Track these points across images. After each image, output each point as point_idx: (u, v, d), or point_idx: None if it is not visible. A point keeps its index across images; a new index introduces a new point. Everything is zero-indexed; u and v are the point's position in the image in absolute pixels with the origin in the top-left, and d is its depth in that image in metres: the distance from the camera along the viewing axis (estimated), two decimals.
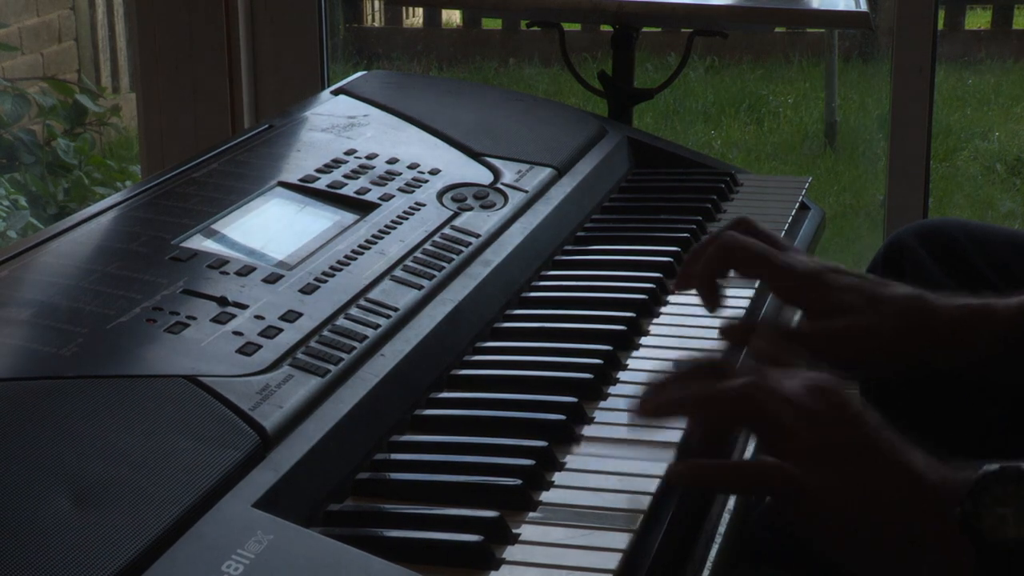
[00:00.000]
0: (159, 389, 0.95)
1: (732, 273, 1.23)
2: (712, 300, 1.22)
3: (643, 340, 1.22)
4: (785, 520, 0.96)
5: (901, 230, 1.53)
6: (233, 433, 0.92)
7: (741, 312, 1.28)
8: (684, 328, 1.25)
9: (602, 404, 1.10)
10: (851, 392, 0.99)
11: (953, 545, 0.91)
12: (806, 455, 0.94)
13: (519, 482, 0.96)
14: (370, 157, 1.43)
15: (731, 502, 1.02)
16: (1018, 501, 0.91)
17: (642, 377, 1.15)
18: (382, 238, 1.25)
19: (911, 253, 1.48)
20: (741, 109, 4.46)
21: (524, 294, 1.30)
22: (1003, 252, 1.47)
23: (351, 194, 1.33)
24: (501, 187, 1.42)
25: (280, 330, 1.05)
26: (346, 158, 1.41)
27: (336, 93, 1.63)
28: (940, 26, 3.36)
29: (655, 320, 1.26)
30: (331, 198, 1.33)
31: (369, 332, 1.09)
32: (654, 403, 1.02)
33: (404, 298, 1.16)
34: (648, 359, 1.19)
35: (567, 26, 2.05)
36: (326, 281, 1.15)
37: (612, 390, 1.13)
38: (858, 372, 1.21)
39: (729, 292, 1.25)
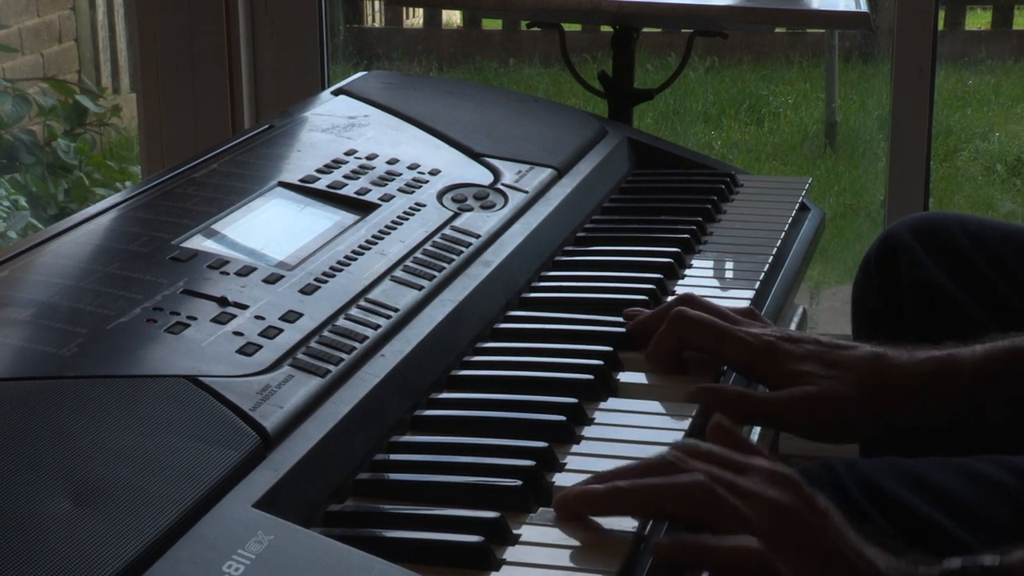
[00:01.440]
0: (159, 389, 0.95)
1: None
2: (672, 371, 1.19)
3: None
4: None
5: (895, 223, 1.52)
6: (233, 433, 0.92)
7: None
8: None
9: (602, 405, 1.10)
10: (812, 491, 0.96)
11: None
12: (774, 543, 0.92)
13: (519, 483, 0.96)
14: (370, 157, 1.43)
15: None
16: None
17: (642, 378, 1.16)
18: (382, 238, 1.25)
19: (905, 248, 1.47)
20: (741, 110, 4.46)
21: (524, 294, 1.30)
22: (999, 246, 1.46)
23: (351, 194, 1.33)
24: (501, 187, 1.42)
25: (280, 330, 1.05)
26: (346, 158, 1.41)
27: (336, 93, 1.63)
28: (940, 26, 3.36)
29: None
30: (331, 198, 1.33)
31: (369, 332, 1.09)
32: (596, 495, 0.94)
33: (404, 298, 1.16)
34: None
35: (567, 26, 2.05)
36: (326, 281, 1.15)
37: (612, 391, 1.13)
38: (820, 437, 1.19)
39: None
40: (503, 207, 1.38)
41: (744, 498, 0.94)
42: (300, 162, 1.39)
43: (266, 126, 1.50)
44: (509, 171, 1.46)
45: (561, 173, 1.51)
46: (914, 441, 1.40)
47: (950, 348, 1.17)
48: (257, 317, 1.07)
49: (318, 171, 1.37)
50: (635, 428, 1.08)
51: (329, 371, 1.03)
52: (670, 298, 1.27)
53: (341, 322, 1.10)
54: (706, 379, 1.16)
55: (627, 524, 0.93)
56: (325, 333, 1.07)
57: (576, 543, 0.91)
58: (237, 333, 1.04)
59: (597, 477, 0.97)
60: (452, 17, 4.95)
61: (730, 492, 0.94)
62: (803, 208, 1.58)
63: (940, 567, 0.93)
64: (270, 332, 1.05)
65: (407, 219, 1.30)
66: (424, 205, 1.34)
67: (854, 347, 1.17)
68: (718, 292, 1.34)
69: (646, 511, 0.94)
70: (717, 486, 0.93)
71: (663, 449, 1.00)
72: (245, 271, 1.13)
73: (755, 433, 1.18)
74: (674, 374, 1.17)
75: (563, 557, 0.90)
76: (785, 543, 0.92)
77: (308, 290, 1.13)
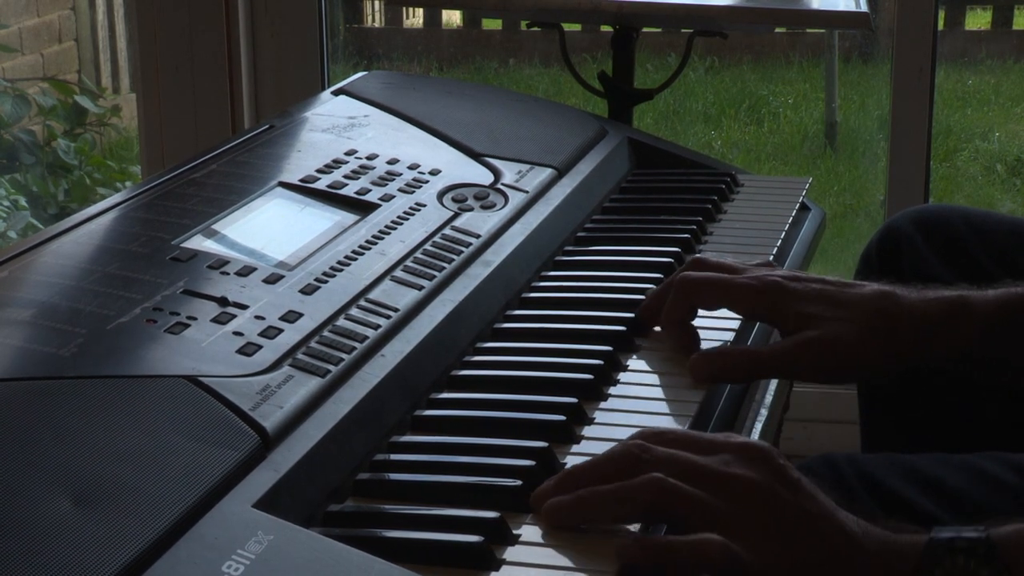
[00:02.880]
0: (159, 389, 0.95)
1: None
2: (685, 343, 1.19)
3: (643, 341, 1.22)
4: None
5: (897, 215, 1.52)
6: (233, 433, 0.92)
7: (728, 336, 1.23)
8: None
9: (602, 405, 1.10)
10: (785, 461, 0.95)
11: None
12: (740, 527, 0.91)
13: (519, 483, 0.96)
14: (370, 157, 1.43)
15: None
16: (968, 573, 0.90)
17: (642, 378, 1.16)
18: (382, 238, 1.25)
19: (907, 240, 1.46)
20: (741, 110, 4.46)
21: (524, 294, 1.30)
22: (1002, 240, 1.46)
23: (351, 194, 1.33)
24: (501, 187, 1.42)
25: (280, 330, 1.05)
26: (346, 158, 1.41)
27: (336, 93, 1.63)
28: (940, 26, 3.36)
29: (655, 319, 1.26)
30: (331, 198, 1.33)
31: (369, 332, 1.09)
32: (564, 508, 0.93)
33: (404, 298, 1.16)
34: (648, 360, 1.19)
35: (567, 26, 2.05)
36: (326, 281, 1.15)
37: (612, 390, 1.13)
38: (829, 382, 1.18)
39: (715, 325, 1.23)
40: (503, 207, 1.38)
41: (709, 481, 0.92)
42: (300, 162, 1.39)
43: (266, 126, 1.50)
44: (509, 171, 1.46)
45: (561, 173, 1.51)
46: (915, 436, 1.40)
47: (961, 290, 1.16)
48: (257, 317, 1.06)
49: (318, 171, 1.37)
50: (635, 428, 1.07)
51: (329, 371, 1.03)
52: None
53: (341, 322, 1.10)
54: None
55: (627, 525, 0.93)
56: (325, 333, 1.07)
57: (576, 543, 0.91)
58: (237, 333, 1.04)
59: (564, 477, 0.95)
60: (452, 17, 4.95)
61: (693, 478, 0.92)
62: (803, 208, 1.58)
63: (926, 536, 0.92)
64: (270, 332, 1.05)
65: (407, 219, 1.30)
66: (424, 205, 1.34)
67: (861, 285, 1.16)
68: (693, 330, 1.33)
69: (611, 518, 0.93)
70: (671, 479, 0.92)
71: (658, 423, 0.99)
72: (245, 271, 1.13)
73: (755, 432, 1.18)
74: (690, 344, 1.17)
75: (563, 557, 0.90)
76: (754, 523, 0.91)
77: (308, 290, 1.13)
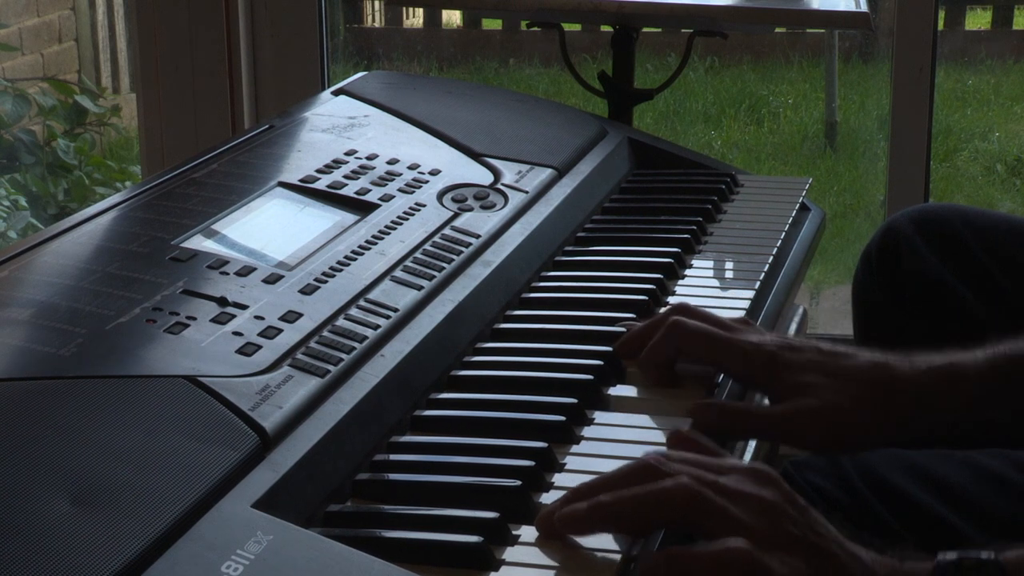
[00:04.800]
0: (159, 389, 0.95)
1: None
2: (663, 383, 1.16)
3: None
4: None
5: (897, 215, 1.52)
6: (233, 433, 0.92)
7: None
8: None
9: (602, 405, 1.10)
10: (791, 488, 0.95)
11: None
12: (763, 541, 0.90)
13: (519, 483, 0.96)
14: (370, 158, 1.43)
15: None
16: None
17: (642, 378, 1.15)
18: (382, 238, 1.25)
19: (907, 240, 1.46)
20: (741, 110, 4.46)
21: (524, 295, 1.30)
22: (1000, 239, 1.46)
23: (351, 194, 1.33)
24: (501, 187, 1.42)
25: (280, 330, 1.05)
26: (346, 158, 1.41)
27: (336, 94, 1.63)
28: (940, 26, 3.36)
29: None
30: (331, 198, 1.33)
31: (369, 332, 1.09)
32: (580, 514, 0.91)
33: (404, 298, 1.16)
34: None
35: (567, 26, 2.05)
36: (326, 281, 1.15)
37: (612, 391, 1.13)
38: (824, 450, 1.17)
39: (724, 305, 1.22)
40: (503, 207, 1.38)
41: (730, 497, 0.92)
42: (300, 162, 1.39)
43: (266, 126, 1.50)
44: (509, 171, 1.46)
45: (561, 173, 1.51)
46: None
47: (951, 355, 1.15)
48: (257, 317, 1.06)
49: (318, 171, 1.37)
50: (635, 428, 1.07)
51: (329, 371, 1.03)
52: (662, 310, 1.23)
53: (341, 322, 1.10)
54: (700, 391, 1.14)
55: None
56: (325, 333, 1.07)
57: (575, 543, 0.91)
58: (237, 333, 1.04)
59: (576, 492, 0.94)
60: (452, 17, 4.95)
61: (715, 493, 0.92)
62: (803, 208, 1.58)
63: (932, 561, 0.93)
64: (270, 332, 1.05)
65: (407, 219, 1.30)
66: (424, 205, 1.34)
67: (855, 355, 1.14)
68: (718, 292, 1.34)
69: (633, 524, 0.92)
70: (703, 488, 0.92)
71: (661, 449, 0.99)
72: (245, 271, 1.13)
73: (767, 400, 1.16)
74: (665, 386, 1.14)
75: (562, 557, 0.90)
76: (777, 538, 0.91)
77: (308, 290, 1.13)
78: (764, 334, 1.18)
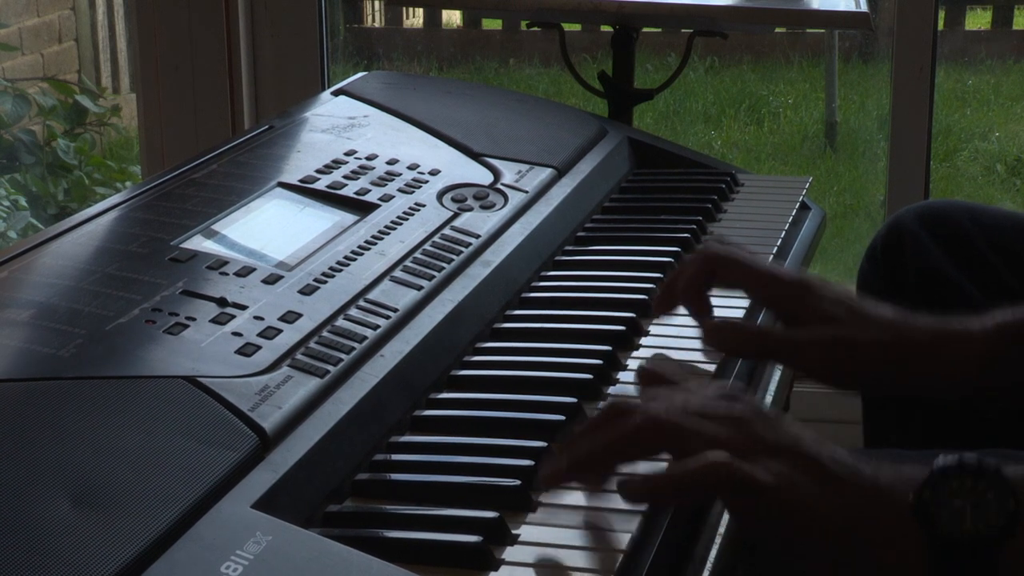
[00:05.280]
0: (159, 390, 0.95)
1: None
2: (701, 312, 1.20)
3: (643, 340, 1.22)
4: (742, 524, 0.94)
5: (902, 211, 1.52)
6: (232, 434, 0.92)
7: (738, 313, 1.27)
8: (684, 328, 1.25)
9: (602, 405, 1.10)
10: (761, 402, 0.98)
11: (904, 537, 0.90)
12: (743, 452, 0.91)
13: (519, 483, 0.96)
14: (370, 158, 1.43)
15: None
16: (975, 494, 0.90)
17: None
18: (382, 239, 1.25)
19: (912, 236, 1.46)
20: (741, 109, 4.46)
21: (524, 294, 1.30)
22: (1006, 235, 1.46)
23: (351, 195, 1.33)
24: (501, 187, 1.42)
25: (279, 331, 1.05)
26: (346, 159, 1.41)
27: (336, 94, 1.63)
28: (940, 26, 3.36)
29: (655, 320, 1.26)
30: (331, 199, 1.33)
31: (369, 333, 1.09)
32: (568, 465, 0.94)
33: (404, 298, 1.16)
34: (648, 359, 1.19)
35: (567, 26, 2.05)
36: (326, 282, 1.15)
37: (612, 390, 1.13)
38: (834, 384, 1.19)
39: (723, 303, 1.23)
40: (503, 207, 1.38)
41: (702, 416, 0.94)
42: (300, 162, 1.39)
43: (266, 126, 1.50)
44: (509, 171, 1.46)
45: (561, 173, 1.51)
46: (917, 431, 1.40)
47: (965, 319, 1.17)
48: (256, 317, 1.06)
49: (318, 171, 1.37)
50: None
51: (328, 371, 1.03)
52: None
53: (340, 322, 1.10)
54: (709, 368, 1.16)
55: (626, 524, 0.93)
56: (324, 333, 1.07)
57: (575, 543, 0.91)
58: (236, 334, 1.04)
59: (554, 452, 0.96)
60: (452, 17, 4.95)
61: (686, 416, 0.94)
62: (803, 207, 1.58)
63: (928, 467, 0.92)
64: (269, 332, 1.05)
65: (407, 219, 1.30)
66: (424, 205, 1.34)
67: (880, 304, 1.18)
68: (718, 291, 1.34)
69: (608, 466, 0.94)
70: (671, 414, 0.93)
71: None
72: (244, 271, 1.13)
73: (768, 397, 1.18)
74: (705, 314, 1.17)
75: (562, 557, 0.90)
76: (756, 447, 0.92)
77: (307, 290, 1.13)
78: (796, 270, 1.22)
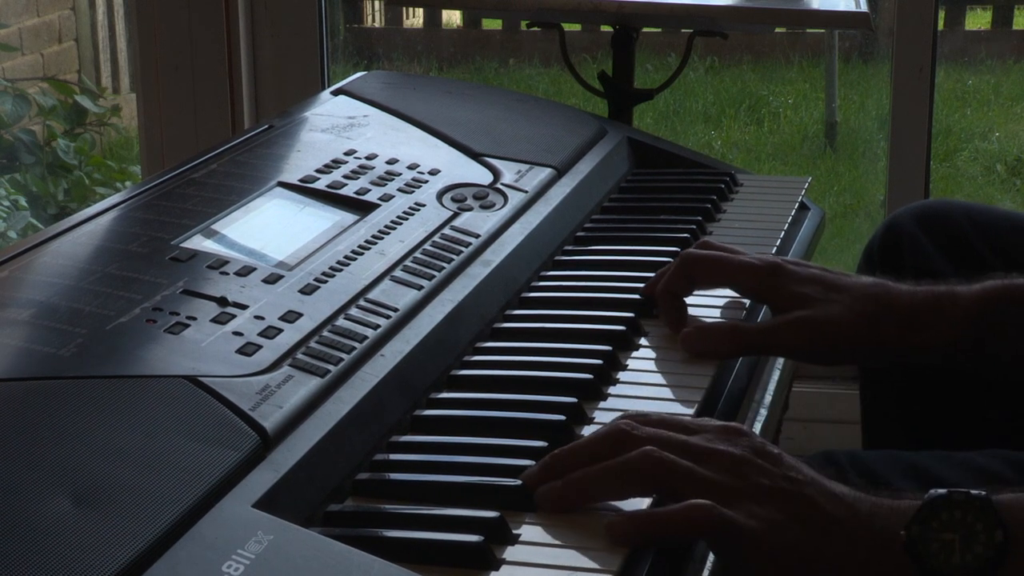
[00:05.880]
0: (159, 389, 0.95)
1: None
2: (676, 320, 1.21)
3: (643, 340, 1.22)
4: (730, 567, 0.94)
5: (899, 211, 1.52)
6: (233, 433, 0.92)
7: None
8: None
9: (602, 404, 1.10)
10: (764, 440, 0.98)
11: (895, 572, 0.91)
12: (732, 496, 0.92)
13: (519, 482, 0.96)
14: (370, 157, 1.43)
15: None
16: (965, 527, 0.91)
17: (642, 378, 1.16)
18: (382, 238, 1.25)
19: (910, 236, 1.47)
20: (741, 110, 4.46)
21: (524, 294, 1.30)
22: (1004, 236, 1.46)
23: (351, 194, 1.33)
24: (501, 187, 1.42)
25: (280, 330, 1.05)
26: (346, 158, 1.41)
27: (336, 93, 1.63)
28: (940, 26, 3.36)
29: (655, 321, 1.26)
30: (331, 198, 1.33)
31: (369, 332, 1.09)
32: (556, 493, 0.94)
33: (404, 298, 1.16)
34: (648, 359, 1.19)
35: (567, 26, 2.05)
36: (326, 281, 1.15)
37: (612, 390, 1.13)
38: (812, 361, 1.20)
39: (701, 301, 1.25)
40: (503, 207, 1.38)
41: (697, 456, 0.94)
42: (300, 162, 1.39)
43: (266, 126, 1.50)
44: (509, 171, 1.46)
45: (561, 173, 1.51)
46: (917, 434, 1.40)
47: (950, 284, 1.19)
48: (257, 317, 1.06)
49: (318, 171, 1.37)
50: None
51: (329, 371, 1.03)
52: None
53: (341, 322, 1.10)
54: (709, 368, 1.16)
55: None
56: (325, 333, 1.07)
57: (576, 542, 0.91)
58: (237, 333, 1.04)
59: (550, 461, 0.96)
60: (452, 17, 4.95)
61: (681, 454, 0.94)
62: (803, 208, 1.58)
63: (921, 499, 0.93)
64: (270, 332, 1.05)
65: (407, 219, 1.30)
66: (424, 205, 1.34)
67: (856, 276, 1.20)
68: (718, 291, 1.34)
69: (606, 496, 0.95)
70: (665, 452, 0.94)
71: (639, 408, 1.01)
72: (245, 271, 1.13)
73: (757, 426, 1.18)
74: (680, 319, 1.20)
75: (563, 557, 0.90)
76: (746, 491, 0.93)
77: (308, 290, 1.13)
78: (773, 255, 1.25)
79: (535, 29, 2.02)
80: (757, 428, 1.19)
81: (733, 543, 0.92)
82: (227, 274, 1.12)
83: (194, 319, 1.04)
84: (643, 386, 1.14)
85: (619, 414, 1.08)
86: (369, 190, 1.35)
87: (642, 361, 1.18)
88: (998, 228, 1.47)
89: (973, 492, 0.92)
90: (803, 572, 0.92)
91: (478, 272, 1.25)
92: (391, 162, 1.42)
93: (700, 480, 0.93)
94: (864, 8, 1.91)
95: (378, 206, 1.32)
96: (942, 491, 0.92)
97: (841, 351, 1.18)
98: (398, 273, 1.20)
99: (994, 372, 1.23)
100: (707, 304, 1.26)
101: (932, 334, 1.16)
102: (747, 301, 1.27)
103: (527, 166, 1.48)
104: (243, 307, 1.07)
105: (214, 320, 1.05)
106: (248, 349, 1.02)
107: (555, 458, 0.97)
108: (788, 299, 1.17)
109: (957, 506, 0.91)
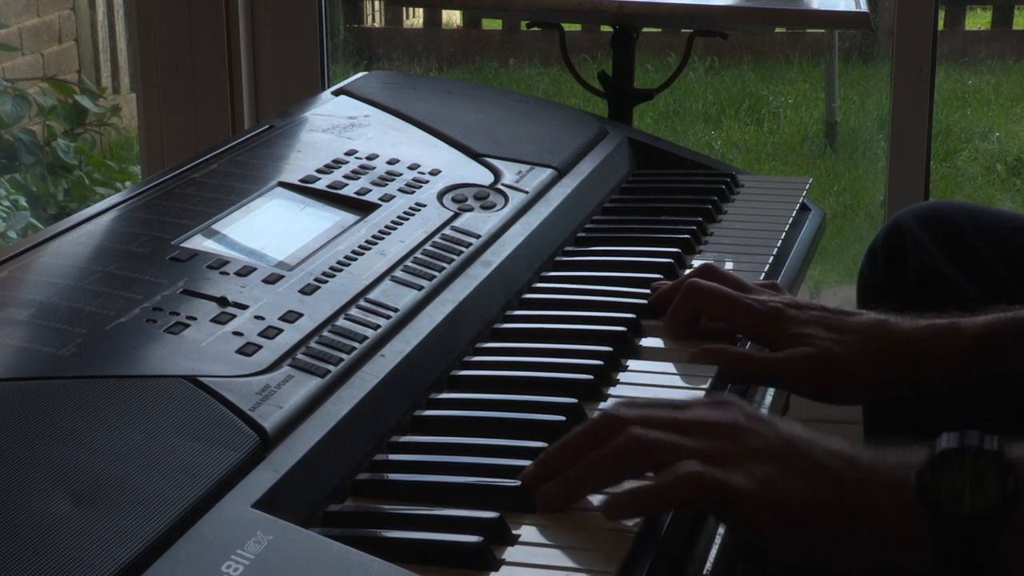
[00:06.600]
0: (159, 389, 0.95)
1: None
2: (689, 337, 1.23)
3: (643, 341, 1.22)
4: (731, 529, 0.95)
5: (902, 212, 1.52)
6: (233, 433, 0.92)
7: None
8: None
9: (602, 405, 1.10)
10: (753, 408, 0.98)
11: (907, 519, 0.91)
12: (726, 459, 0.93)
13: (519, 483, 0.96)
14: (370, 158, 1.43)
15: None
16: (976, 474, 0.90)
17: (642, 378, 1.16)
18: (382, 239, 1.25)
19: (912, 237, 1.47)
20: (741, 110, 4.46)
21: (524, 295, 1.30)
22: (1006, 237, 1.46)
23: (351, 194, 1.33)
24: (501, 188, 1.42)
25: (280, 330, 1.05)
26: (346, 158, 1.41)
27: (337, 94, 1.63)
28: (940, 26, 3.36)
29: (655, 321, 1.26)
30: (331, 198, 1.33)
31: (369, 332, 1.09)
32: (553, 492, 0.95)
33: (404, 298, 1.16)
34: (648, 360, 1.19)
35: (567, 26, 2.05)
36: (326, 281, 1.15)
37: (612, 391, 1.13)
38: (821, 397, 1.20)
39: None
40: (503, 207, 1.38)
41: (685, 429, 0.95)
42: (300, 162, 1.39)
43: (266, 126, 1.50)
44: (509, 171, 1.46)
45: (561, 173, 1.51)
46: (919, 435, 1.40)
47: (953, 317, 1.18)
48: (257, 317, 1.06)
49: (318, 171, 1.37)
50: None
51: (329, 371, 1.03)
52: (688, 271, 1.31)
53: (341, 322, 1.10)
54: (709, 368, 1.17)
55: (627, 524, 0.93)
56: (325, 333, 1.07)
57: (575, 543, 0.91)
58: (237, 333, 1.04)
59: (544, 459, 0.97)
60: (452, 17, 4.95)
61: (667, 431, 0.95)
62: (803, 208, 1.58)
63: (930, 449, 0.92)
64: (270, 332, 1.05)
65: (407, 219, 1.30)
66: (424, 205, 1.34)
67: (858, 314, 1.20)
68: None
69: (600, 485, 0.95)
70: (650, 432, 0.95)
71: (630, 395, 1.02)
72: (245, 271, 1.13)
73: (768, 397, 1.19)
74: (690, 340, 1.21)
75: (562, 557, 0.90)
76: (737, 454, 0.93)
77: (308, 290, 1.13)
78: (779, 293, 1.25)
79: (535, 29, 2.02)
80: (767, 402, 1.20)
81: (733, 506, 0.92)
82: (227, 274, 1.12)
83: (194, 319, 1.04)
84: (643, 387, 1.14)
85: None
86: (370, 190, 1.35)
87: (642, 362, 1.18)
88: (1000, 229, 1.47)
89: (985, 440, 0.92)
90: (813, 522, 0.92)
91: (478, 272, 1.25)
92: (392, 162, 1.42)
93: (689, 451, 0.94)
94: (864, 8, 1.91)
95: (379, 206, 1.31)
96: (954, 436, 0.92)
97: (844, 387, 1.18)
98: (398, 273, 1.20)
99: (1003, 399, 1.23)
100: None
101: (937, 369, 1.17)
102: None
103: (528, 166, 1.48)
104: (243, 307, 1.07)
105: (214, 320, 1.05)
106: (248, 349, 1.02)
107: (549, 455, 0.97)
108: (789, 341, 1.18)
109: (969, 453, 0.91)
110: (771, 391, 1.23)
